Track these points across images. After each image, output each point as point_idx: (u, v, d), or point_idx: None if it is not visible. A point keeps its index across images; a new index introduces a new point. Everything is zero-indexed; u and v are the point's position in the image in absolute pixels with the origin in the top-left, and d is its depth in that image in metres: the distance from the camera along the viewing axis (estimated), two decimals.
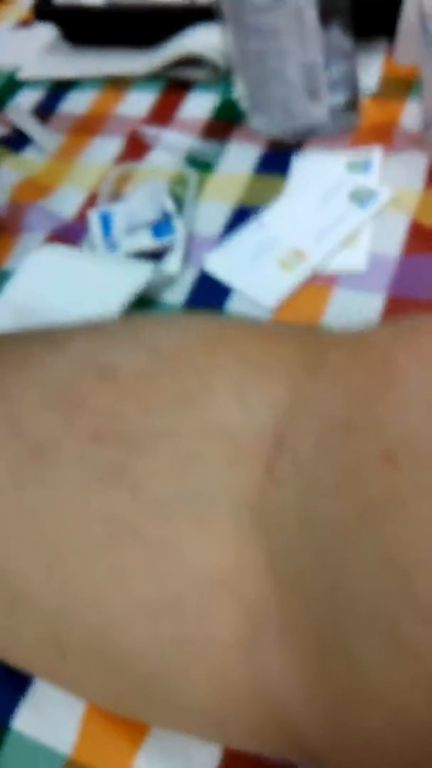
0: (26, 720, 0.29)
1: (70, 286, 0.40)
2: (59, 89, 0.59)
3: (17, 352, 0.27)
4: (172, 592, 0.21)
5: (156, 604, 0.21)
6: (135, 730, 0.28)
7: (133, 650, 0.22)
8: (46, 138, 0.54)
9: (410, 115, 0.46)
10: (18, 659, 0.26)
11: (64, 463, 0.23)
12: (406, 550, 0.17)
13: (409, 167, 0.42)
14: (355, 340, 0.23)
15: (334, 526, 0.19)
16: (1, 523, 0.23)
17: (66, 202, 0.49)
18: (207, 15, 0.51)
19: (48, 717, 0.29)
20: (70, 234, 0.47)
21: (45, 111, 0.58)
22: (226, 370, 0.23)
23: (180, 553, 0.21)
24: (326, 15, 0.40)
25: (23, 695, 0.29)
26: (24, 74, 0.61)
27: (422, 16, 0.37)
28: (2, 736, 0.29)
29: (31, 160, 0.54)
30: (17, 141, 0.55)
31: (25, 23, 0.68)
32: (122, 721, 0.28)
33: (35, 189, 0.51)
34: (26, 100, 0.59)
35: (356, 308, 0.37)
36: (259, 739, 0.22)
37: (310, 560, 0.19)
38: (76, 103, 0.57)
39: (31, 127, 0.55)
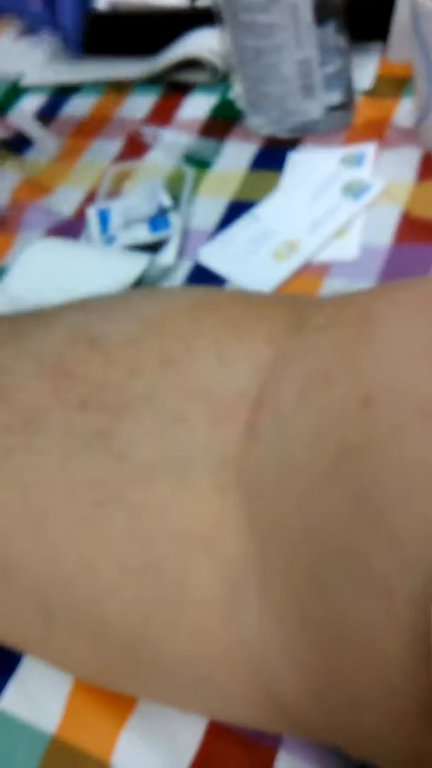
0: (12, 700, 0.29)
1: (67, 276, 0.40)
2: (61, 94, 0.60)
3: (7, 329, 0.27)
4: (155, 555, 0.22)
5: (139, 568, 0.22)
6: (120, 708, 0.28)
7: (118, 614, 0.22)
8: (47, 140, 0.55)
9: (403, 111, 0.46)
10: (5, 631, 0.26)
11: (52, 430, 0.23)
12: (380, 488, 0.17)
13: (401, 160, 0.43)
14: (337, 301, 0.23)
15: (311, 471, 0.19)
16: None
17: (65, 201, 0.50)
18: (207, 18, 0.52)
19: (33, 696, 0.29)
20: (69, 230, 0.47)
21: (47, 115, 0.59)
22: (208, 334, 0.24)
23: (162, 515, 0.22)
24: (321, 13, 0.41)
25: (10, 676, 0.29)
26: (27, 81, 0.62)
27: (414, 16, 0.38)
28: None
29: (32, 162, 0.55)
30: (19, 143, 0.56)
31: (30, 32, 0.69)
32: (107, 699, 0.28)
33: (36, 189, 0.52)
34: (29, 105, 0.61)
35: None
36: (240, 702, 0.22)
37: (288, 509, 0.19)
38: (78, 107, 0.59)
39: (33, 129, 0.56)
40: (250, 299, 0.26)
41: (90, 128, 0.56)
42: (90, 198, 0.49)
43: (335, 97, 0.45)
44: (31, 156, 0.55)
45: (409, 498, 0.17)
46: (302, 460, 0.19)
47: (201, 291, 0.27)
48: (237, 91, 0.48)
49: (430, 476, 0.16)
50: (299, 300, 0.26)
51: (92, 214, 0.46)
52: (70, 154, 0.54)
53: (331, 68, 0.44)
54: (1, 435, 0.24)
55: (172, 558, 0.21)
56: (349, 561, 0.17)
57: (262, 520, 0.20)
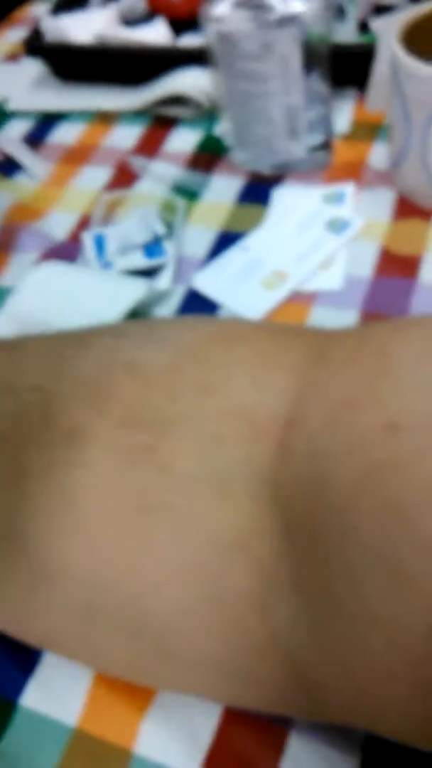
0: (33, 697, 0.31)
1: (70, 299, 0.42)
2: (48, 121, 0.63)
3: (47, 351, 0.30)
4: (197, 558, 0.24)
5: (183, 569, 0.24)
6: (139, 699, 0.30)
7: (158, 611, 0.24)
8: (36, 165, 0.58)
9: (377, 155, 0.51)
10: (45, 631, 0.27)
11: (96, 446, 0.25)
12: (409, 499, 0.20)
13: (378, 200, 0.47)
14: (354, 337, 0.26)
15: (342, 486, 0.22)
16: (37, 501, 0.25)
17: (58, 225, 0.52)
18: (189, 57, 0.56)
19: (55, 692, 0.31)
20: (65, 254, 0.50)
21: (34, 141, 0.61)
22: (242, 363, 0.26)
23: (204, 522, 0.24)
24: (309, 63, 0.44)
25: (31, 674, 0.31)
26: (13, 106, 0.64)
27: (394, 70, 0.42)
28: (11, 713, 0.30)
29: (22, 186, 0.57)
30: (8, 168, 0.58)
31: (14, 58, 0.71)
32: (127, 691, 0.30)
33: (27, 212, 0.54)
34: (16, 130, 0.63)
35: (332, 323, 0.41)
36: (270, 689, 0.25)
37: (321, 519, 0.22)
38: (65, 135, 0.61)
39: (22, 154, 0.58)
40: (273, 331, 0.29)
41: (78, 155, 0.58)
42: (83, 223, 0.52)
43: (316, 139, 0.49)
44: (21, 180, 0.57)
45: None
46: (333, 474, 0.22)
47: (226, 322, 0.30)
48: (224, 128, 0.51)
49: None
50: (316, 333, 0.29)
51: (88, 240, 0.48)
52: (59, 179, 0.57)
53: (314, 113, 0.48)
54: (45, 450, 0.25)
55: (214, 559, 0.24)
56: (383, 562, 0.20)
57: (296, 527, 0.23)
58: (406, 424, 0.21)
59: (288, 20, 0.42)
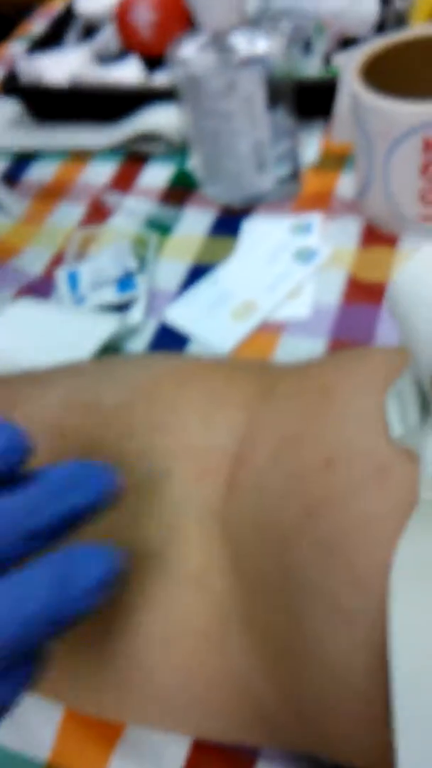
0: (4, 732, 0.31)
1: (43, 337, 0.43)
2: (23, 159, 0.64)
3: (6, 392, 0.30)
4: (151, 592, 0.25)
5: (138, 604, 0.25)
6: (109, 733, 0.30)
7: (116, 648, 0.25)
8: (12, 203, 0.59)
9: (345, 184, 0.52)
10: None
11: None
12: (344, 535, 0.21)
13: (345, 230, 0.48)
14: (298, 372, 0.27)
15: (284, 523, 0.23)
16: None
17: (33, 262, 0.53)
18: (161, 96, 0.57)
19: (25, 729, 0.31)
20: (39, 290, 0.50)
21: (11, 179, 0.62)
22: (193, 401, 0.27)
23: (155, 557, 0.25)
24: (273, 99, 0.46)
25: None
26: None
27: (355, 105, 0.43)
28: None
29: None
30: None
31: None
32: (96, 726, 0.30)
33: (3, 250, 0.55)
34: None
35: (301, 351, 0.42)
36: (229, 719, 0.25)
37: (266, 554, 0.23)
38: (41, 172, 0.62)
39: None
40: (224, 369, 0.30)
41: (54, 193, 0.59)
42: (57, 260, 0.53)
43: (284, 171, 0.50)
44: None
45: (369, 545, 0.20)
46: (276, 511, 0.23)
47: (181, 360, 0.31)
48: (195, 164, 0.52)
49: (384, 527, 0.20)
50: (265, 368, 0.30)
51: (62, 276, 0.49)
52: (35, 217, 0.58)
53: (281, 147, 0.49)
54: None
55: (167, 594, 0.24)
56: (321, 597, 0.21)
57: (243, 562, 0.24)
58: (342, 458, 0.22)
59: (251, 61, 0.44)
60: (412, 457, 0.21)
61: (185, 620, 0.24)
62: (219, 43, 0.44)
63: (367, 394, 0.23)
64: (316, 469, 0.22)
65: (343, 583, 0.20)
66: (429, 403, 0.20)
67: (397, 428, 0.21)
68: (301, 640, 0.22)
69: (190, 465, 0.26)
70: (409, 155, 0.41)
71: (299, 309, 0.44)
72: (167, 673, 0.25)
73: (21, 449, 0.19)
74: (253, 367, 0.30)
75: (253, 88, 0.44)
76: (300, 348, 0.42)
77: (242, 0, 0.42)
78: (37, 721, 0.31)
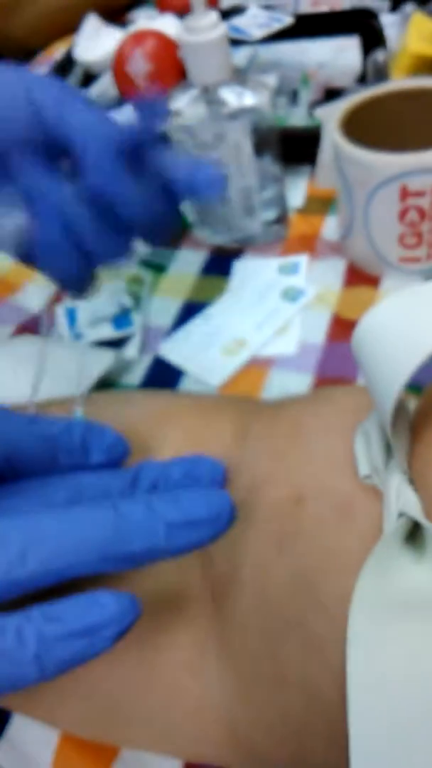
0: (3, 757, 0.32)
1: (41, 371, 0.45)
2: None
3: None
4: (139, 629, 0.26)
5: (126, 643, 0.26)
6: (104, 757, 0.31)
7: (103, 676, 0.27)
8: None
9: (329, 227, 0.54)
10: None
11: None
12: (312, 566, 0.23)
13: (330, 270, 0.51)
14: (272, 412, 0.29)
15: (257, 553, 0.24)
16: None
17: (32, 299, 0.56)
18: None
19: (23, 753, 0.32)
20: (38, 326, 0.53)
21: None
22: (174, 442, 0.29)
23: (138, 589, 0.27)
24: (260, 148, 0.49)
25: (0, 734, 0.32)
26: None
27: (336, 154, 0.46)
28: None
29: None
30: None
31: None
32: (92, 750, 0.31)
33: (3, 286, 0.58)
34: None
35: (289, 386, 0.44)
36: (208, 743, 0.26)
37: (238, 582, 0.25)
38: None
39: None
40: (203, 408, 0.32)
41: None
42: (57, 296, 0.55)
43: (272, 215, 0.53)
44: None
45: (334, 575, 0.22)
46: (250, 540, 0.25)
47: (160, 399, 0.33)
48: (187, 207, 0.55)
49: (350, 559, 0.22)
50: (242, 406, 0.32)
51: (60, 313, 0.52)
52: None
53: (268, 192, 0.51)
54: None
55: (151, 627, 0.26)
56: (291, 624, 0.23)
57: (219, 587, 0.26)
58: (310, 495, 0.24)
59: (239, 113, 0.47)
60: (377, 494, 0.23)
61: (167, 653, 0.26)
62: (209, 96, 0.47)
63: (335, 433, 0.25)
64: (287, 506, 0.24)
65: (311, 611, 0.22)
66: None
67: (363, 467, 0.23)
68: (274, 666, 0.23)
69: None
70: (388, 202, 0.44)
71: (287, 345, 0.46)
72: (148, 701, 0.26)
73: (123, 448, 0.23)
74: (231, 406, 0.32)
75: (240, 138, 0.47)
76: (287, 382, 0.44)
77: (229, 58, 0.45)
78: (35, 744, 0.32)
